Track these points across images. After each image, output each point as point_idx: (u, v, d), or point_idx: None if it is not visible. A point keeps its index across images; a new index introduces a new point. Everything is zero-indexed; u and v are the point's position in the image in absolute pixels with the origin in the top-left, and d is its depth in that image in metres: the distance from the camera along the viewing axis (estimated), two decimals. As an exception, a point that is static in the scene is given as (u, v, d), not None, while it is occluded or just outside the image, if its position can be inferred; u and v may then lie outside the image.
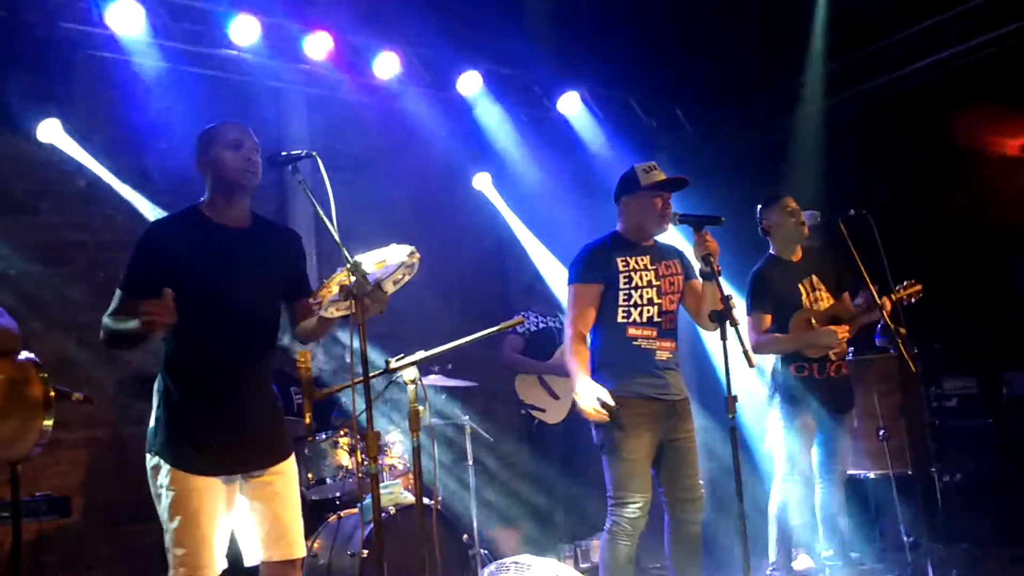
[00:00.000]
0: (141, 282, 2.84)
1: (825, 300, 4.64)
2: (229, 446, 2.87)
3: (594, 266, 3.83)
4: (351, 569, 4.13)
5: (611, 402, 3.67)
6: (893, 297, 4.52)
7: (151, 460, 2.88)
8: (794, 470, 4.58)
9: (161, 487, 2.83)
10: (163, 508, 2.83)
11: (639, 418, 3.71)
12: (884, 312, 4.47)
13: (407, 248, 2.78)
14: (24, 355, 2.65)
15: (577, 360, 3.77)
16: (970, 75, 6.36)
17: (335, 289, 2.69)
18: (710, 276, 3.57)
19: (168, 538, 2.82)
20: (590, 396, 3.68)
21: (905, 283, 4.56)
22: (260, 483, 2.94)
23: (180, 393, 2.87)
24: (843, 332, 4.47)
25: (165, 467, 2.82)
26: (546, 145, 7.16)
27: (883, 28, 6.63)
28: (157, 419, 2.90)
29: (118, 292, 2.92)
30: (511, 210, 7.23)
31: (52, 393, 2.62)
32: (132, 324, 2.69)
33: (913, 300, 4.57)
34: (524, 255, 7.16)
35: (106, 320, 2.88)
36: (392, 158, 6.85)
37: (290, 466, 3.03)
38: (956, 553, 5.08)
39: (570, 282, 3.90)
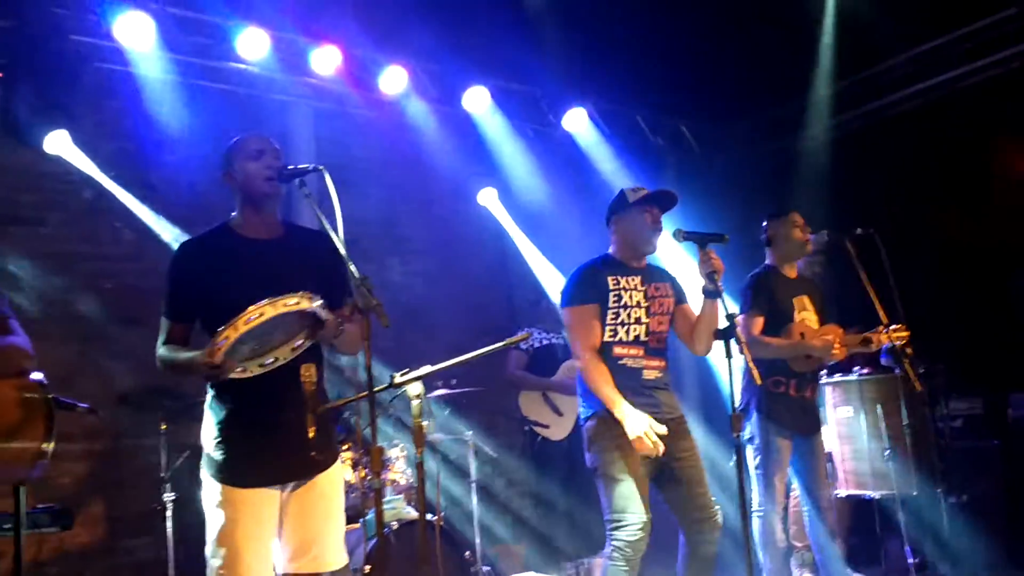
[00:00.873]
0: (180, 306, 2.88)
1: (813, 321, 4.65)
2: (269, 458, 2.87)
3: (587, 287, 3.82)
4: (353, 585, 4.10)
5: (663, 429, 3.60)
6: (882, 339, 4.52)
7: (202, 472, 2.93)
8: (773, 492, 4.47)
9: (203, 498, 2.89)
10: (205, 518, 2.87)
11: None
12: (876, 346, 4.49)
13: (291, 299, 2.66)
14: (35, 376, 2.64)
15: (604, 381, 3.68)
16: (975, 96, 6.37)
17: (242, 329, 2.59)
18: (714, 294, 3.56)
19: (207, 550, 2.85)
20: (641, 425, 3.56)
21: (893, 327, 4.54)
22: (299, 494, 2.94)
23: (224, 407, 2.90)
24: (838, 347, 4.47)
25: (207, 478, 2.88)
26: (552, 161, 7.17)
27: (889, 49, 6.65)
28: (204, 431, 2.94)
29: (163, 321, 2.95)
30: (517, 225, 7.24)
31: (53, 416, 2.61)
32: (185, 357, 2.73)
33: (898, 344, 4.55)
34: (529, 271, 7.16)
35: (160, 351, 2.91)
36: (398, 172, 6.86)
37: (326, 477, 3.00)
38: (962, 575, 5.04)
39: (564, 305, 3.88)
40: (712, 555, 3.72)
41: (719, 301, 3.52)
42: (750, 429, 4.56)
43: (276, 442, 2.87)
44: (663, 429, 3.60)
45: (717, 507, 3.76)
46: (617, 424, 3.64)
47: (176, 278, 2.94)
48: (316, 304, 2.68)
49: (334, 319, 2.75)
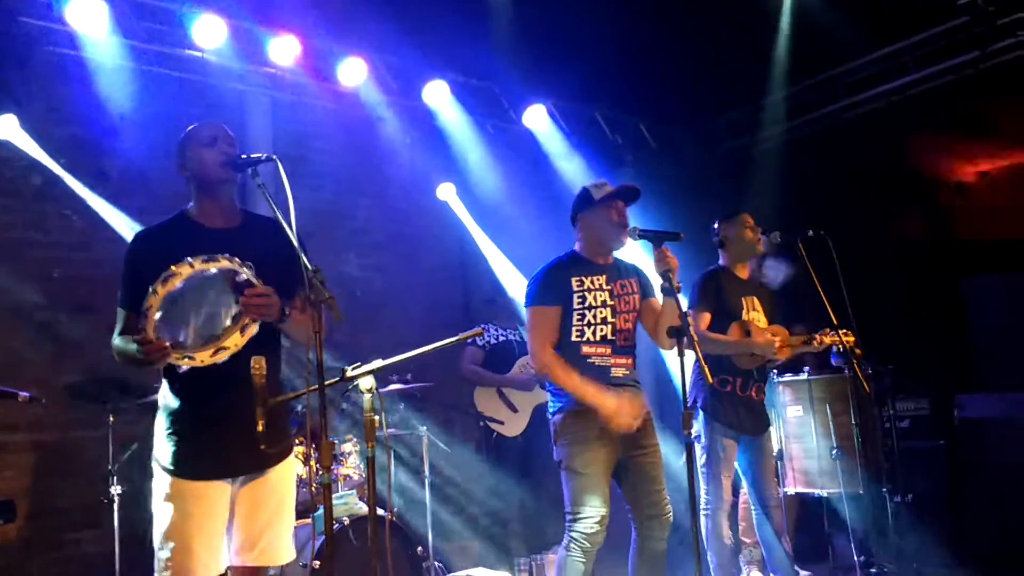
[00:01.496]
0: (137, 296, 2.79)
1: (761, 322, 4.71)
2: (221, 450, 2.84)
3: (551, 287, 3.81)
4: (302, 580, 4.07)
5: (639, 403, 3.63)
6: (827, 340, 4.59)
7: (153, 463, 2.89)
8: (719, 490, 4.52)
9: (153, 490, 2.85)
10: (154, 510, 2.84)
11: (597, 432, 3.69)
12: (818, 346, 4.57)
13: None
14: None
15: (568, 373, 3.70)
16: (928, 102, 6.48)
17: (162, 292, 2.64)
18: (669, 292, 3.58)
19: (155, 541, 2.81)
20: (615, 401, 3.60)
21: (842, 331, 4.61)
22: (250, 488, 2.91)
23: (176, 397, 2.86)
24: (780, 345, 4.53)
25: (158, 470, 2.85)
26: (511, 157, 7.18)
27: (844, 54, 6.75)
28: (157, 423, 2.90)
29: (119, 312, 2.90)
30: (475, 221, 7.22)
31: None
32: (133, 347, 2.67)
33: (842, 349, 4.62)
34: (487, 267, 7.15)
35: (115, 341, 2.86)
36: (356, 165, 6.82)
37: (277, 471, 2.98)
38: (906, 573, 5.14)
39: (528, 304, 3.86)
40: (662, 551, 3.75)
41: (675, 299, 3.54)
42: (697, 427, 4.60)
43: (228, 435, 2.83)
44: (639, 403, 3.62)
45: (670, 506, 3.80)
46: (584, 419, 3.67)
47: (133, 267, 2.88)
48: (235, 264, 2.68)
49: (268, 289, 2.73)
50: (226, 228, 2.97)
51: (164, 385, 2.92)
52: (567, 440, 3.72)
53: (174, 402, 2.87)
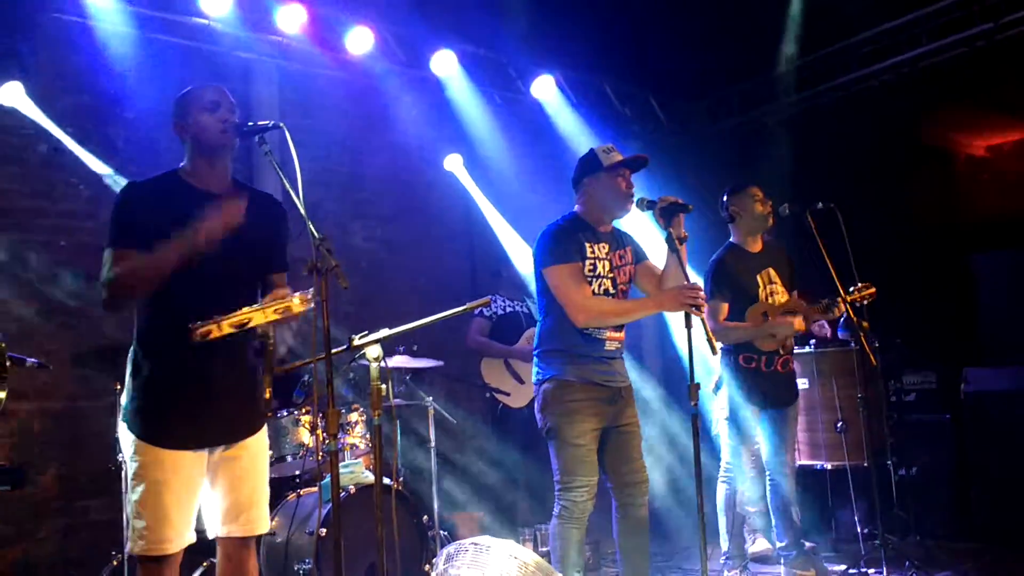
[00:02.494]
0: (130, 233, 2.76)
1: (780, 294, 4.68)
2: (199, 420, 2.82)
3: (569, 245, 3.74)
4: (308, 548, 4.10)
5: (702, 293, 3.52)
6: (848, 299, 4.56)
7: (121, 429, 2.85)
8: (739, 459, 4.62)
9: (127, 458, 2.82)
10: (128, 479, 2.81)
11: (586, 403, 3.70)
12: (839, 312, 4.53)
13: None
14: None
15: (619, 301, 3.75)
16: (940, 74, 6.41)
17: (226, 331, 2.65)
18: (672, 245, 3.54)
19: (129, 509, 2.79)
20: (677, 292, 3.50)
21: (860, 285, 4.59)
22: (227, 457, 2.90)
23: (151, 364, 2.81)
24: (798, 323, 4.52)
25: (132, 438, 2.80)
26: (519, 128, 7.13)
27: (856, 25, 6.66)
28: (128, 389, 2.85)
29: (108, 251, 2.79)
30: (482, 192, 7.19)
31: (9, 362, 2.56)
32: (142, 260, 2.66)
33: (866, 302, 4.61)
34: (493, 238, 7.13)
35: (107, 275, 2.75)
36: (363, 135, 6.78)
37: (256, 441, 2.99)
38: (910, 545, 5.16)
39: (547, 265, 3.75)
40: (644, 516, 3.80)
41: (677, 254, 3.52)
42: (721, 400, 4.64)
43: (211, 404, 2.83)
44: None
45: (647, 473, 3.85)
46: (574, 389, 3.69)
47: (127, 209, 2.82)
48: (309, 306, 2.67)
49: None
50: (218, 193, 2.90)
51: (136, 352, 2.86)
52: (557, 410, 3.72)
53: (150, 369, 2.81)
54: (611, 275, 3.80)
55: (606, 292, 3.78)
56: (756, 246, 4.76)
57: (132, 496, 2.78)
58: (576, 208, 3.91)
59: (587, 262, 3.75)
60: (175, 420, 2.80)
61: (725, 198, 4.78)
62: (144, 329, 2.87)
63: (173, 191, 2.88)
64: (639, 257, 3.94)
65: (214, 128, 2.88)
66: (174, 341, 2.72)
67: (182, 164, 2.96)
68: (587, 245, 3.76)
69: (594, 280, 3.76)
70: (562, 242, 3.75)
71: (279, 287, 2.94)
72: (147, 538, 2.74)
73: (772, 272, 4.70)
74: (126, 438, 2.83)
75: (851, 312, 4.51)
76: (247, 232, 2.83)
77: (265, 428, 3.06)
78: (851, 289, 4.58)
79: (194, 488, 2.84)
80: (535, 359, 3.87)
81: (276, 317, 2.65)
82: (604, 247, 3.82)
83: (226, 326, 2.57)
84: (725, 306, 4.61)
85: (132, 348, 2.88)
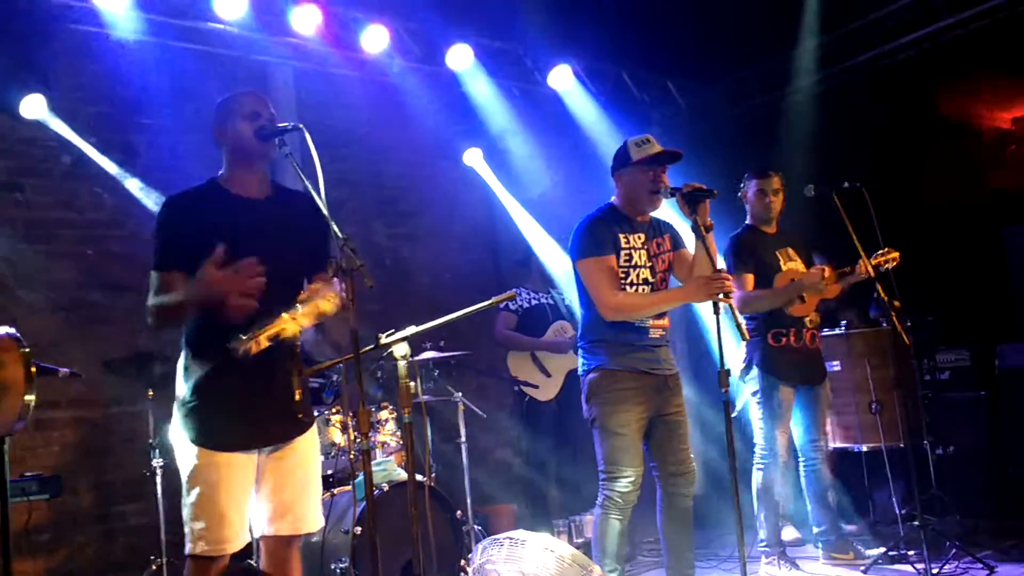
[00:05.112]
0: (171, 254, 2.80)
1: (803, 269, 4.69)
2: (250, 422, 2.84)
3: (603, 238, 3.76)
4: (344, 546, 4.12)
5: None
6: (872, 262, 4.53)
7: (174, 434, 2.89)
8: (774, 444, 4.59)
9: (181, 461, 2.85)
10: (183, 482, 2.84)
11: (631, 392, 3.70)
12: (862, 270, 4.50)
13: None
14: (3, 330, 2.60)
15: (647, 295, 3.72)
16: (962, 47, 6.31)
17: (264, 344, 2.64)
18: (698, 233, 3.52)
19: (186, 512, 2.82)
20: (705, 281, 3.50)
21: (884, 248, 4.57)
22: (276, 458, 2.92)
23: (201, 369, 2.85)
24: (828, 271, 4.48)
25: (185, 442, 2.84)
26: (538, 119, 7.10)
27: (873, 1, 6.57)
28: (179, 394, 2.89)
29: (153, 274, 2.85)
30: (502, 185, 7.18)
31: (33, 368, 2.58)
32: (176, 297, 2.70)
33: (890, 266, 4.57)
34: (516, 231, 7.12)
35: (152, 301, 2.82)
36: (382, 133, 6.78)
37: (304, 441, 2.99)
38: (949, 526, 5.10)
39: (581, 257, 3.78)
40: (688, 507, 3.80)
41: (704, 241, 3.50)
42: (753, 384, 4.62)
43: (259, 406, 2.85)
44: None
45: (694, 464, 3.84)
46: (619, 378, 3.69)
47: (169, 226, 2.85)
48: (339, 307, 2.68)
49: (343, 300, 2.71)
50: (260, 198, 2.95)
51: (186, 356, 2.90)
52: (602, 399, 3.73)
53: (202, 373, 2.85)
54: (649, 264, 3.80)
55: (645, 281, 3.78)
56: (771, 229, 4.83)
57: (188, 499, 2.81)
58: (612, 199, 3.93)
59: (622, 253, 3.75)
60: (227, 423, 2.82)
61: (742, 183, 4.88)
62: (193, 334, 2.90)
63: (213, 200, 2.90)
64: (677, 244, 3.95)
65: (253, 136, 2.87)
66: (222, 345, 2.71)
67: (220, 172, 2.98)
68: (621, 236, 3.77)
69: (631, 271, 3.76)
70: (595, 235, 3.77)
71: (316, 280, 2.88)
72: (207, 539, 2.77)
73: (790, 251, 4.75)
74: (179, 442, 2.87)
75: (881, 290, 4.46)
76: (292, 237, 2.86)
77: (315, 428, 3.07)
78: (876, 253, 4.56)
79: (247, 489, 2.87)
80: (580, 351, 3.89)
81: (307, 323, 2.65)
82: (640, 237, 3.82)
83: (263, 340, 2.57)
84: (750, 276, 4.62)
85: (182, 353, 2.92)
